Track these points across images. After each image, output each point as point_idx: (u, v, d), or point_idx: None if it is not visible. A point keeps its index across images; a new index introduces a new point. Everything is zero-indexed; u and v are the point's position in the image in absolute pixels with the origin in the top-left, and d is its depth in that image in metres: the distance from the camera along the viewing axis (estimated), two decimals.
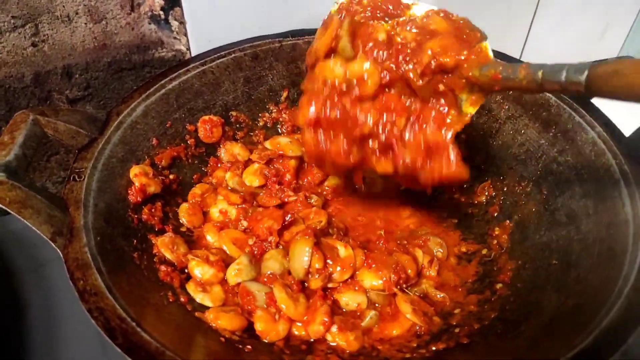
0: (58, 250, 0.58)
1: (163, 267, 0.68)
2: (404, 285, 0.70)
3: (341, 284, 0.71)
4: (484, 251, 0.78)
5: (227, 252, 0.73)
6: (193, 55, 0.98)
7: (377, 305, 0.69)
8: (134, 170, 0.73)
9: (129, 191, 0.72)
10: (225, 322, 0.63)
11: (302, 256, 0.68)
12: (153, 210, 0.74)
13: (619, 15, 1.25)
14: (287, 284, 0.67)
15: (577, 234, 0.68)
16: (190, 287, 0.67)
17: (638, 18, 1.27)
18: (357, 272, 0.71)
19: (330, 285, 0.70)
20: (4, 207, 0.58)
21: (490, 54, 0.62)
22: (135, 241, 0.68)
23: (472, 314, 0.67)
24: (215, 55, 0.88)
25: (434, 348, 0.63)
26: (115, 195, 0.70)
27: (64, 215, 0.61)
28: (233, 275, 0.69)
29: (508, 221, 0.79)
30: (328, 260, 0.70)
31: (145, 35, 0.97)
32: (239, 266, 0.69)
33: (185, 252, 0.71)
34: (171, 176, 0.81)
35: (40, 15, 0.87)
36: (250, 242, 0.74)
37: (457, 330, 0.66)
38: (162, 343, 0.52)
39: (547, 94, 0.80)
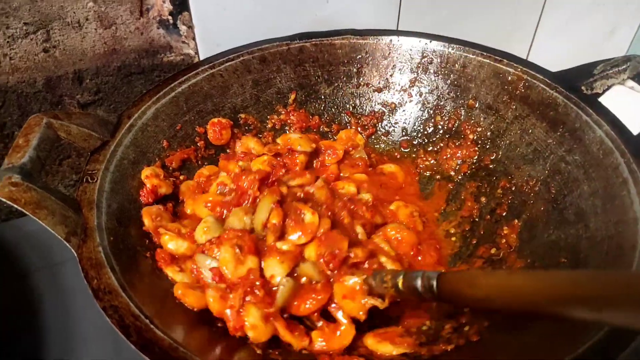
0: (72, 250, 0.59)
1: (159, 250, 0.68)
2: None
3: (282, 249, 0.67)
4: (493, 250, 0.78)
5: (198, 215, 0.74)
6: (201, 59, 1.00)
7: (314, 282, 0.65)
8: (145, 172, 0.74)
9: (141, 192, 0.73)
10: (191, 299, 0.63)
11: (264, 210, 0.68)
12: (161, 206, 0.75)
13: (627, 16, 1.25)
14: (239, 244, 0.65)
15: (585, 232, 0.68)
16: (169, 270, 0.67)
17: None
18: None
19: (284, 246, 0.66)
20: (19, 208, 0.59)
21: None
22: (147, 241, 0.69)
23: (482, 312, 0.67)
24: (224, 59, 0.89)
25: (443, 347, 0.63)
26: (127, 196, 0.71)
27: (77, 216, 0.62)
28: (201, 234, 0.68)
29: (516, 220, 0.79)
30: (289, 221, 0.68)
31: (154, 39, 0.98)
32: (206, 225, 0.69)
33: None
34: (181, 177, 0.82)
35: (52, 21, 0.88)
36: (228, 198, 0.74)
37: (466, 328, 0.66)
38: (175, 340, 0.53)
39: (555, 93, 0.81)
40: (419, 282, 0.55)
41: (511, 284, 0.47)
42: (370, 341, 0.64)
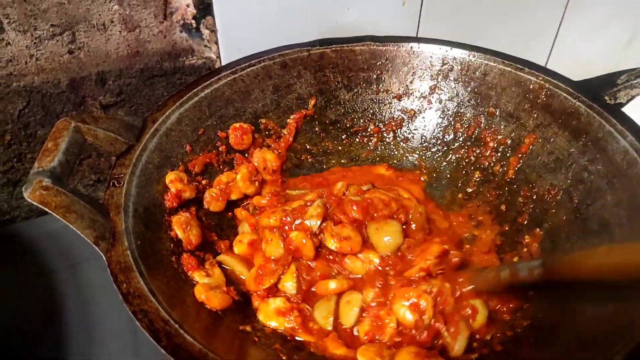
0: (102, 254, 0.59)
1: (185, 255, 0.69)
2: None
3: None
4: (515, 259, 0.78)
5: None
6: (223, 63, 1.00)
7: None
8: (170, 177, 0.75)
9: (165, 196, 0.73)
10: (215, 301, 0.65)
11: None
12: (188, 214, 0.75)
13: None
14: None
15: (610, 242, 0.68)
16: (196, 274, 0.68)
17: None
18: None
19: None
20: (49, 212, 0.60)
21: None
22: (172, 245, 0.70)
23: (505, 322, 0.68)
24: (246, 64, 0.89)
25: (466, 356, 0.63)
26: (153, 201, 0.71)
27: (105, 220, 0.63)
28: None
29: (538, 229, 0.79)
30: None
31: (176, 43, 0.99)
32: None
33: (197, 233, 0.72)
34: (204, 182, 0.82)
35: (78, 23, 0.89)
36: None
37: (489, 337, 0.66)
38: (205, 345, 0.53)
39: (577, 103, 0.80)
40: (523, 273, 0.62)
41: (609, 263, 0.55)
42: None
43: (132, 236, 0.63)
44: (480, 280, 0.67)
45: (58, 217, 0.59)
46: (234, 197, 0.84)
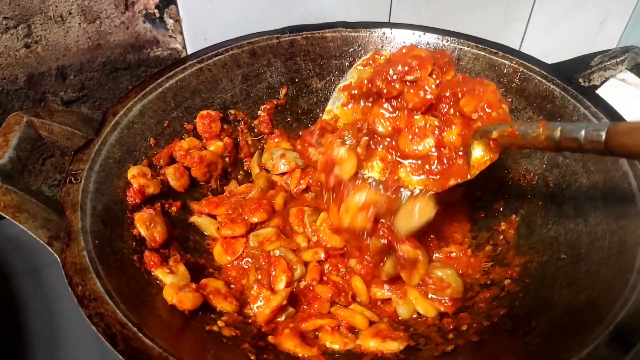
0: (55, 255, 0.56)
1: (147, 253, 0.66)
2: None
3: None
4: (488, 248, 0.76)
5: None
6: (189, 53, 0.97)
7: None
8: (132, 172, 0.71)
9: (127, 192, 0.70)
10: (186, 302, 0.61)
11: None
12: (152, 211, 0.72)
13: (617, 7, 1.24)
14: None
15: (585, 226, 0.67)
16: (159, 272, 0.65)
17: (636, 10, 1.26)
18: None
19: None
20: None
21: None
22: (134, 244, 0.66)
23: (481, 311, 0.66)
24: (212, 53, 0.86)
25: (443, 348, 0.62)
26: (113, 197, 0.68)
27: (60, 219, 0.60)
28: None
29: (514, 216, 0.78)
30: None
31: (140, 34, 0.95)
32: None
33: (162, 230, 0.69)
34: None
35: (33, 15, 0.85)
36: None
37: (465, 328, 0.64)
38: (165, 348, 0.51)
39: (552, 86, 0.79)
40: (582, 133, 0.51)
41: None
42: (373, 342, 0.62)
43: (89, 235, 0.60)
44: (524, 137, 0.56)
45: (7, 217, 0.56)
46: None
